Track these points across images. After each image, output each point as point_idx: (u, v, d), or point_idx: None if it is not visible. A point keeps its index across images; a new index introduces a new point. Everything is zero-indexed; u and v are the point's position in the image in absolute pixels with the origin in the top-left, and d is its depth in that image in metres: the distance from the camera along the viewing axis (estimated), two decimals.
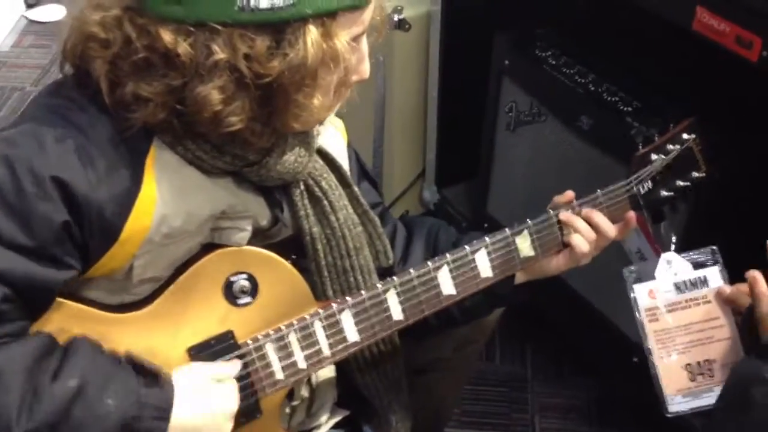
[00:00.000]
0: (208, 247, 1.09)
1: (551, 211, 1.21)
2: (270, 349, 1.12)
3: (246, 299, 1.11)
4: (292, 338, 1.12)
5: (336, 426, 1.31)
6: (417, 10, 2.09)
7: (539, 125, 1.86)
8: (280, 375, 1.13)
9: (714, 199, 1.41)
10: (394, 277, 1.15)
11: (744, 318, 1.11)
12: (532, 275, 1.25)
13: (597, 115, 1.69)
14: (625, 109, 1.65)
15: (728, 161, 1.38)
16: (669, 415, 1.15)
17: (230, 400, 1.06)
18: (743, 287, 1.11)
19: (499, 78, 1.93)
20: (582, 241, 1.19)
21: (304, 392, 1.26)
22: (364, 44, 1.05)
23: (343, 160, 1.23)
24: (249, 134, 1.01)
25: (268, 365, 1.12)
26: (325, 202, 1.16)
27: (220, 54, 0.93)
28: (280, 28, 0.94)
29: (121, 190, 0.98)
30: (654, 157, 1.21)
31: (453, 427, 1.92)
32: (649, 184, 1.22)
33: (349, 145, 1.28)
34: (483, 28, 1.95)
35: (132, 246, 1.01)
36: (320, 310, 1.13)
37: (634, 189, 1.21)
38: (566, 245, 1.21)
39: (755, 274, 1.08)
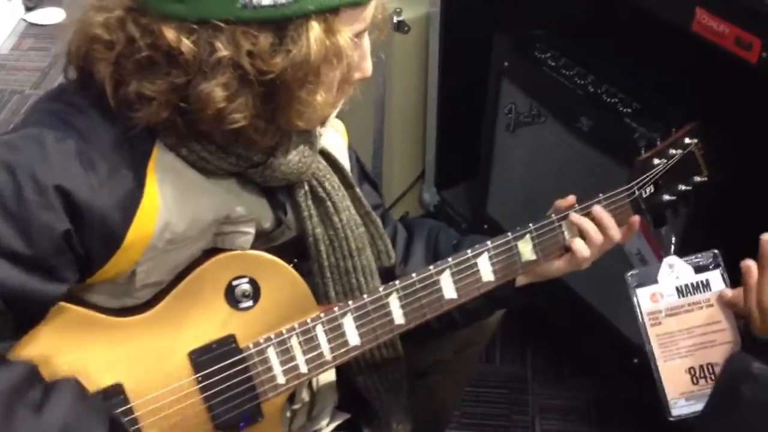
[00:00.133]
0: (210, 252, 1.09)
1: (553, 216, 1.21)
2: (271, 353, 1.12)
3: (248, 303, 1.11)
4: (294, 342, 1.12)
5: (337, 429, 1.31)
6: (416, 12, 2.09)
7: (539, 126, 1.86)
8: (281, 379, 1.13)
9: (714, 201, 1.41)
10: (396, 281, 1.15)
11: (746, 322, 1.11)
12: (533, 278, 1.25)
13: (596, 117, 1.69)
14: (625, 110, 1.65)
15: (728, 163, 1.38)
16: (672, 419, 1.15)
17: None
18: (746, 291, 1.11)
19: (499, 79, 1.93)
20: (583, 245, 1.19)
21: (305, 396, 1.26)
22: (366, 42, 1.05)
23: (345, 162, 1.23)
24: (253, 132, 1.01)
25: (269, 369, 1.12)
26: (329, 203, 1.16)
27: (223, 51, 0.93)
28: (282, 24, 0.95)
29: (123, 196, 0.98)
30: (656, 161, 1.21)
31: (454, 428, 1.92)
32: (651, 188, 1.21)
33: (350, 147, 1.28)
34: (482, 29, 1.95)
35: (135, 252, 1.01)
36: (322, 314, 1.13)
37: (636, 193, 1.21)
38: (568, 249, 1.21)
39: (749, 264, 1.08)
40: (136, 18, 0.95)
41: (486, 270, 1.19)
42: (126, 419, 1.03)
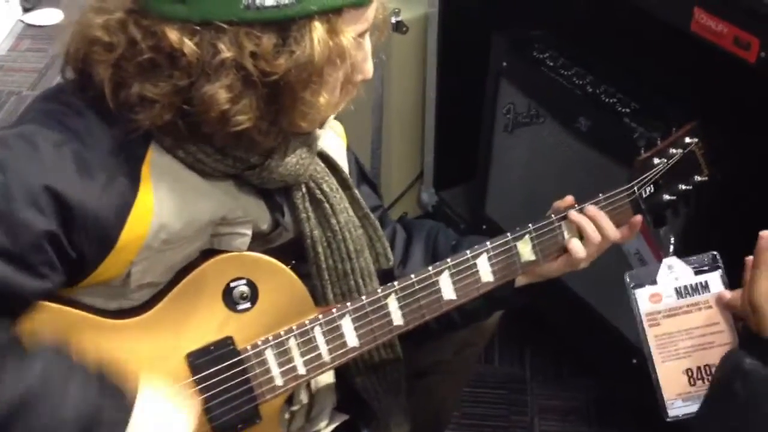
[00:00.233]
0: (207, 253, 1.09)
1: (552, 216, 1.20)
2: (269, 355, 1.11)
3: (245, 305, 1.10)
4: (292, 344, 1.12)
5: (336, 430, 1.31)
6: (414, 13, 2.09)
7: (537, 127, 1.86)
8: (279, 381, 1.12)
9: (713, 201, 1.41)
10: (395, 282, 1.15)
11: (745, 325, 1.11)
12: (532, 278, 1.25)
13: (595, 117, 1.69)
14: (624, 110, 1.65)
15: (727, 162, 1.38)
16: (669, 419, 1.15)
17: (187, 427, 1.02)
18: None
19: (497, 79, 1.93)
20: (580, 245, 1.19)
21: (304, 397, 1.26)
22: (368, 43, 1.05)
23: (343, 164, 1.23)
24: (256, 133, 1.01)
25: (267, 371, 1.12)
26: (327, 205, 1.16)
27: (226, 53, 0.93)
28: (285, 25, 0.94)
29: (117, 197, 0.97)
30: (656, 161, 1.21)
31: (453, 429, 1.92)
32: (651, 188, 1.21)
33: (349, 149, 1.28)
34: (480, 29, 1.95)
35: (129, 253, 1.00)
36: (320, 316, 1.13)
37: (636, 193, 1.21)
38: (567, 249, 1.21)
39: (748, 259, 1.09)
40: (137, 20, 0.95)
41: (485, 270, 1.18)
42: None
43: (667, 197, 1.22)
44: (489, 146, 2.02)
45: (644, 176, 1.21)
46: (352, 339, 1.14)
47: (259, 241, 1.13)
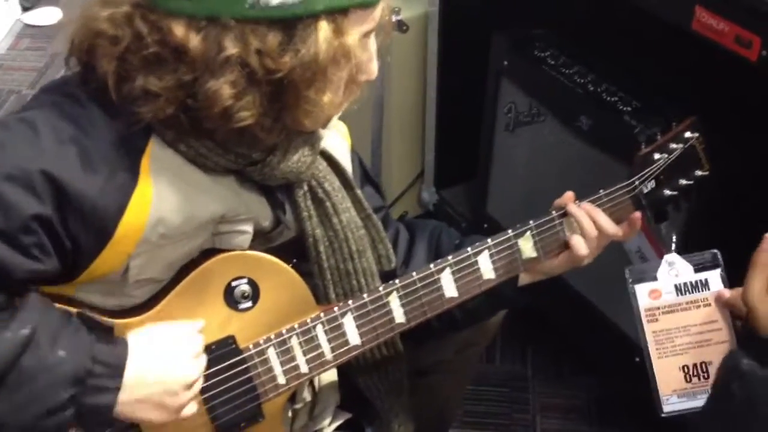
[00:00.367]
0: (208, 252, 1.08)
1: (553, 213, 1.20)
2: (272, 354, 1.11)
3: (247, 304, 1.10)
4: (294, 342, 1.12)
5: (338, 429, 1.31)
6: (415, 11, 2.09)
7: (538, 126, 1.85)
8: (282, 379, 1.12)
9: (714, 199, 1.41)
10: (396, 280, 1.15)
11: (744, 324, 1.11)
12: (534, 276, 1.25)
13: (596, 115, 1.69)
14: (625, 109, 1.65)
15: (727, 161, 1.38)
16: (664, 415, 1.16)
17: (190, 367, 1.03)
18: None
19: (498, 78, 1.93)
20: (581, 242, 1.19)
21: (307, 395, 1.26)
22: (373, 43, 1.05)
23: (347, 164, 1.23)
24: (259, 130, 1.01)
25: (269, 369, 1.12)
26: (328, 204, 1.16)
27: (231, 49, 0.93)
28: (291, 24, 0.95)
29: (115, 188, 0.97)
30: (657, 156, 1.21)
31: (455, 427, 1.91)
32: (652, 184, 1.21)
33: (353, 149, 1.28)
34: (481, 28, 1.95)
35: (127, 246, 1.00)
36: (322, 314, 1.13)
37: (637, 188, 1.21)
38: (568, 246, 1.21)
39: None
40: (144, 14, 0.95)
41: (487, 268, 1.18)
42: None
43: (668, 192, 1.22)
44: (490, 145, 2.02)
45: (645, 171, 1.21)
46: (354, 337, 1.15)
47: (260, 240, 1.13)
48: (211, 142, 1.02)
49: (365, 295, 1.14)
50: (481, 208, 2.12)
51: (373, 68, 1.06)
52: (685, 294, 1.16)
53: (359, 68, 1.03)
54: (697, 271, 1.16)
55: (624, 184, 1.21)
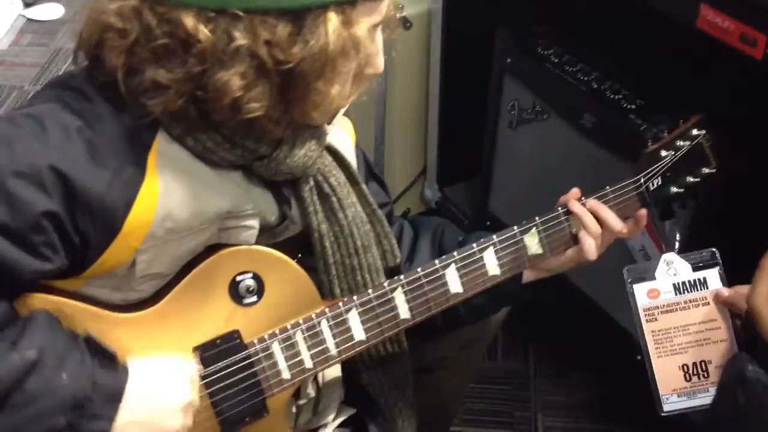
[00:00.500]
0: (213, 247, 1.08)
1: (559, 209, 1.20)
2: (276, 349, 1.11)
3: (252, 299, 1.10)
4: (299, 337, 1.12)
5: (342, 425, 1.31)
6: (418, 8, 2.08)
7: (542, 123, 1.85)
8: (286, 374, 1.12)
9: (720, 198, 1.41)
10: (401, 276, 1.15)
11: (744, 323, 1.11)
12: (539, 273, 1.25)
13: (600, 113, 1.69)
14: (629, 106, 1.65)
15: (732, 159, 1.38)
16: (663, 414, 1.16)
17: (185, 391, 1.04)
18: (742, 290, 1.11)
19: (501, 76, 1.93)
20: (589, 238, 1.19)
21: (311, 391, 1.26)
22: (379, 37, 1.05)
23: (352, 160, 1.23)
24: (267, 122, 1.01)
25: (274, 365, 1.12)
26: (334, 199, 1.16)
27: (240, 40, 0.93)
28: (301, 14, 0.94)
29: (123, 183, 0.97)
30: (664, 153, 1.20)
31: (456, 425, 1.92)
32: (658, 181, 1.21)
33: (357, 146, 1.28)
34: (484, 25, 1.95)
35: (134, 240, 1.00)
36: (327, 309, 1.13)
37: (644, 185, 1.21)
38: (574, 242, 1.21)
39: None
40: (152, 6, 0.95)
41: (492, 264, 1.18)
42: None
43: (674, 189, 1.22)
44: (493, 143, 2.02)
45: (652, 168, 1.21)
46: (359, 332, 1.14)
47: (266, 235, 1.13)
48: (219, 136, 1.02)
49: (370, 291, 1.14)
50: (484, 205, 2.12)
51: (380, 62, 1.06)
52: (684, 293, 1.16)
53: (367, 61, 1.03)
54: (695, 269, 1.16)
55: (630, 180, 1.21)
